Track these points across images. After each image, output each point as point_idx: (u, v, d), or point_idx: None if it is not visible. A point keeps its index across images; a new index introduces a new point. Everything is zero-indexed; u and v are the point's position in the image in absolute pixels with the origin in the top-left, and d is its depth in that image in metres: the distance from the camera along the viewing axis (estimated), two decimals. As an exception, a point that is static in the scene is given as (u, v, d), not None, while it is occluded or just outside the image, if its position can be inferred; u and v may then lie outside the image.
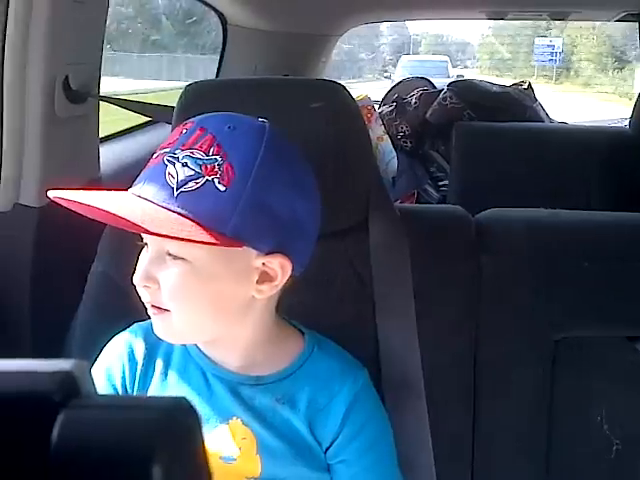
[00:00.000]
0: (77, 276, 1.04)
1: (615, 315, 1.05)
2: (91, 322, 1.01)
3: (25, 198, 1.16)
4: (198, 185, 0.71)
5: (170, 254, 0.74)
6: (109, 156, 1.49)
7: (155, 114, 1.52)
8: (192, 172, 0.71)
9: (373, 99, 2.54)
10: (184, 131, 0.75)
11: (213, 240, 0.69)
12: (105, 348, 0.85)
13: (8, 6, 1.09)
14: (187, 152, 0.72)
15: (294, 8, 2.28)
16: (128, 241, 0.82)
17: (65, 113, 1.19)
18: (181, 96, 0.99)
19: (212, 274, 0.74)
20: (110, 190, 0.75)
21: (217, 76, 2.36)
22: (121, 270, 0.96)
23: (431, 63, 18.13)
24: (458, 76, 15.05)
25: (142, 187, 0.73)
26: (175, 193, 0.70)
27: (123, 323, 0.88)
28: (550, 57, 15.87)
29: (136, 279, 0.75)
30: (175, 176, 0.71)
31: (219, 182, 0.71)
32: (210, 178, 0.71)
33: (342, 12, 2.54)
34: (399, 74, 15.07)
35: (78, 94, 1.21)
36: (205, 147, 0.72)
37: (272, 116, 0.78)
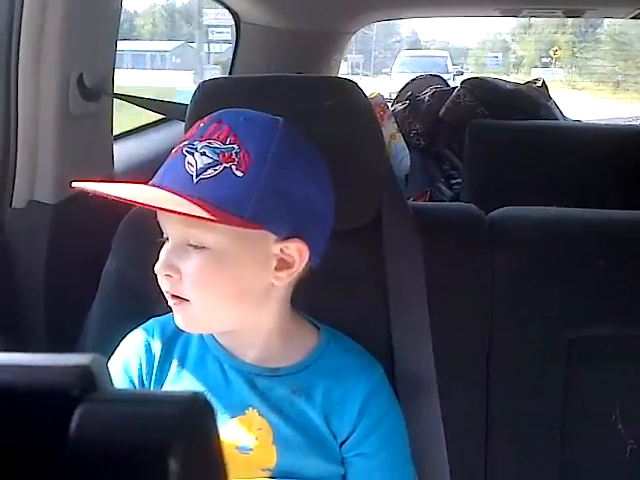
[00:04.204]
0: (91, 273, 1.05)
1: (628, 314, 1.04)
2: (105, 319, 1.02)
3: (40, 195, 1.17)
4: (217, 172, 0.73)
5: (191, 244, 0.75)
6: (123, 153, 1.49)
7: (169, 112, 1.53)
8: (210, 160, 0.74)
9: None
10: (201, 125, 0.78)
11: (233, 221, 0.72)
12: (123, 342, 0.86)
13: (23, 5, 1.10)
14: (205, 142, 0.75)
15: (307, 6, 2.28)
16: (143, 238, 0.82)
17: (79, 111, 1.19)
18: (195, 93, 0.99)
19: (233, 260, 0.76)
20: None
21: (230, 73, 2.37)
22: (135, 267, 0.97)
23: (430, 58, 17.19)
24: (457, 72, 15.19)
25: (162, 178, 0.76)
26: (195, 180, 0.73)
27: (137, 320, 0.88)
28: (495, 63, 33.48)
29: (158, 268, 0.77)
30: (194, 165, 0.74)
31: (237, 168, 0.74)
32: (228, 165, 0.74)
33: (355, 9, 2.53)
34: (397, 70, 14.91)
35: (92, 92, 1.21)
36: (222, 137, 0.75)
37: (285, 114, 0.79)
